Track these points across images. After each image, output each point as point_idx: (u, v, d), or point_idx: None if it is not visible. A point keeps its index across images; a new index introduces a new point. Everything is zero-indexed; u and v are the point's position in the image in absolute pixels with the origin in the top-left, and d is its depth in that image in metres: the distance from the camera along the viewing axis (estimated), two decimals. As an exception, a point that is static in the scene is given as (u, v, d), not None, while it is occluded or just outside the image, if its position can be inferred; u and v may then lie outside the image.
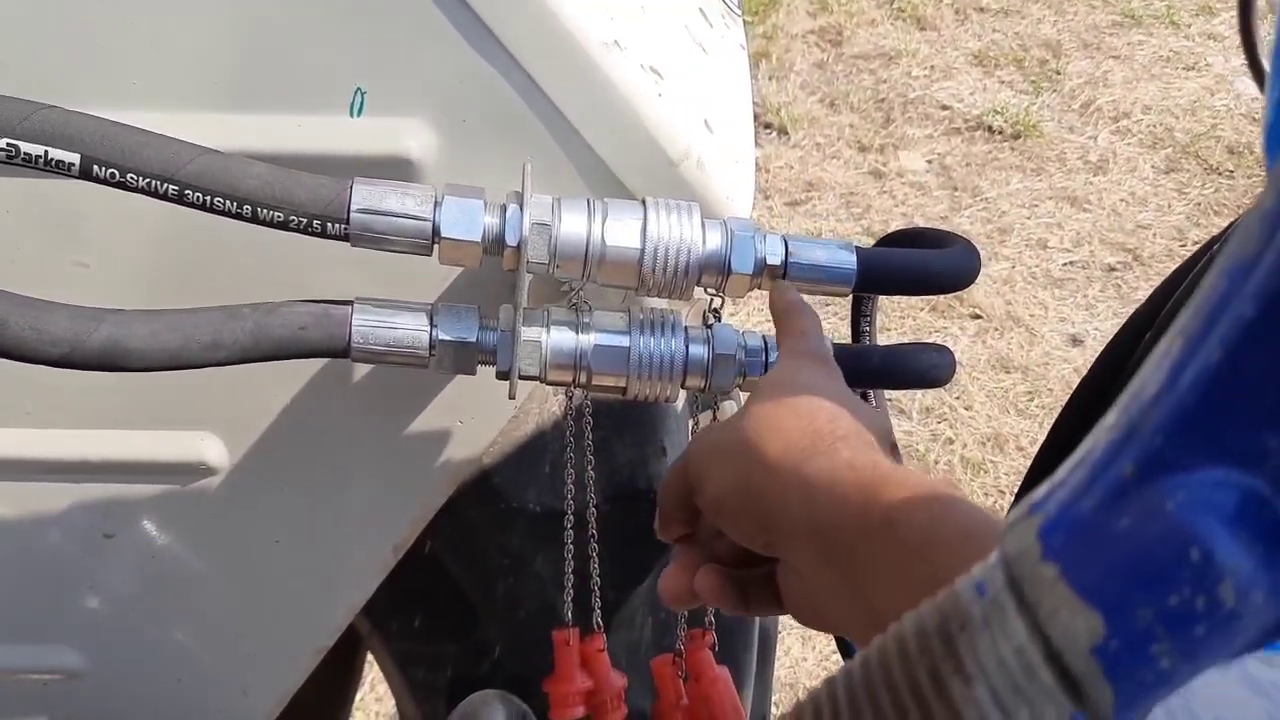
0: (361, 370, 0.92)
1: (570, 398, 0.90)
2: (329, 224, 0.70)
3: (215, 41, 0.77)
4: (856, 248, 0.83)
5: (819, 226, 3.12)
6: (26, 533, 0.98)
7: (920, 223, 3.18)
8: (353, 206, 0.71)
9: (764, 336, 0.84)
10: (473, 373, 0.79)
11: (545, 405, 1.00)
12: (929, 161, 3.38)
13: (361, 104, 0.79)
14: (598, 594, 0.95)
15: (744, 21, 1.09)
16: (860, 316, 0.97)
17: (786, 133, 3.44)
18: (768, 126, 3.47)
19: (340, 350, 0.75)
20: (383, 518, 0.99)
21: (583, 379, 0.80)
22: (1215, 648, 0.29)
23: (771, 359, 0.83)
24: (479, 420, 0.95)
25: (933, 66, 3.70)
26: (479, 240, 0.73)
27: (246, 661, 1.07)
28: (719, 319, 0.84)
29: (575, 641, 0.95)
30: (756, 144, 3.44)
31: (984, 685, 0.30)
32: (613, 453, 0.99)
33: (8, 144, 0.63)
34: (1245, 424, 0.28)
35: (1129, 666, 0.29)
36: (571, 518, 0.91)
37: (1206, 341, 0.28)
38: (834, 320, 2.47)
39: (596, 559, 0.93)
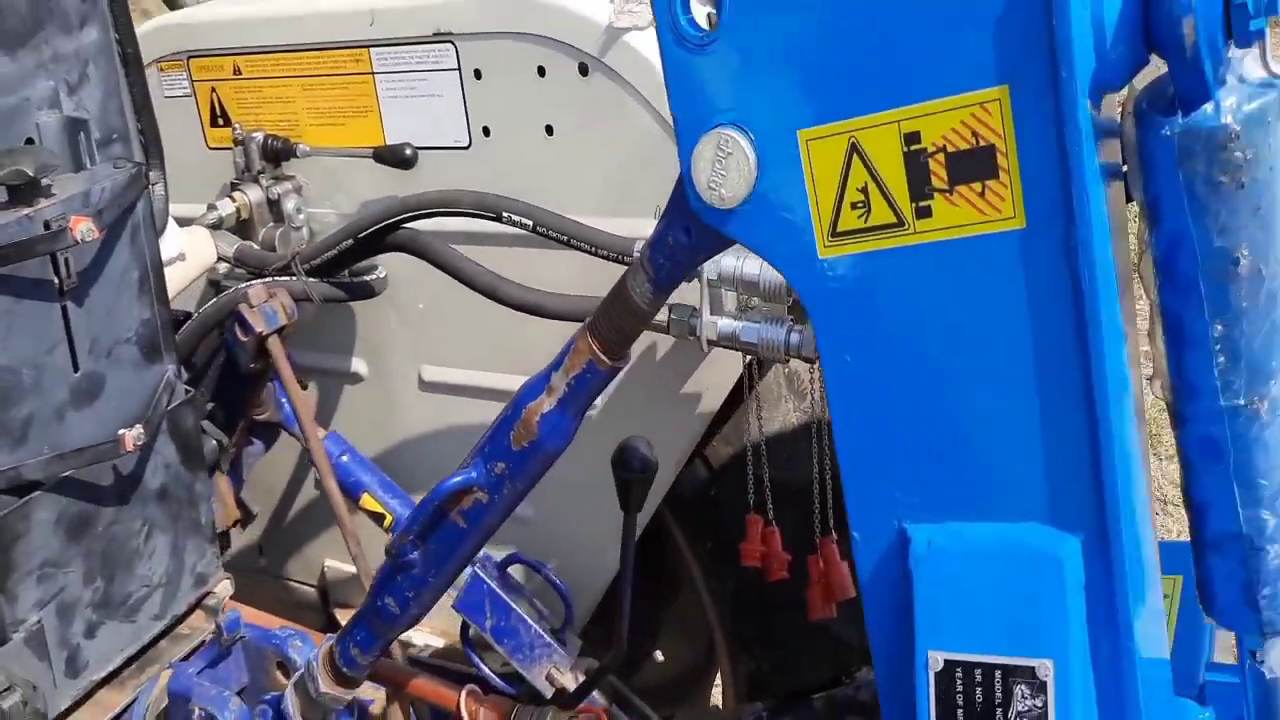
0: (670, 361, 1.81)
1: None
2: (624, 257, 1.62)
3: (603, 189, 1.74)
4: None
5: None
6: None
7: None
8: (635, 250, 1.62)
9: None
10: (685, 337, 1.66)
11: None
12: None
13: (660, 213, 1.69)
14: (771, 508, 1.72)
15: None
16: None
17: None
18: None
19: None
20: (672, 440, 1.83)
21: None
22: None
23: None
24: (714, 389, 1.80)
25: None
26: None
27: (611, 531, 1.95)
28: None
29: (758, 524, 1.73)
30: None
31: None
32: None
33: (507, 215, 1.64)
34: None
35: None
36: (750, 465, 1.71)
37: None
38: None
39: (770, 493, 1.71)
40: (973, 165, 0.94)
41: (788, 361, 1.63)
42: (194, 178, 2.02)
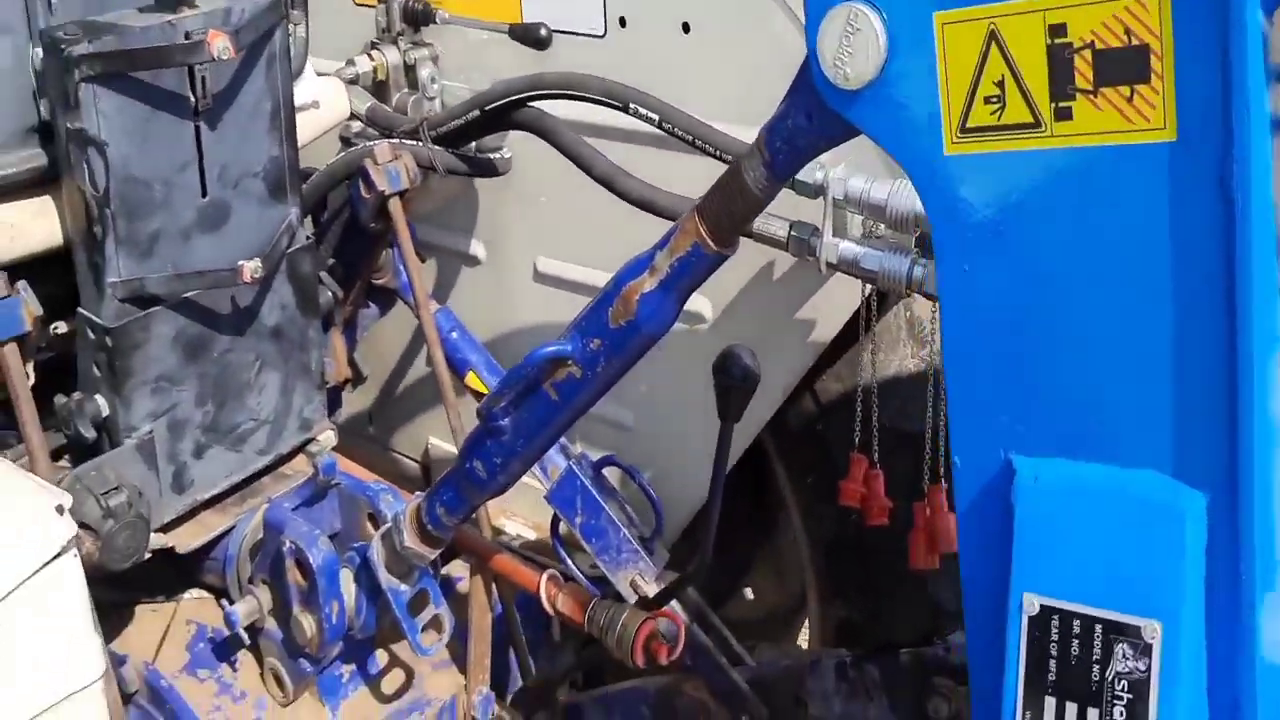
0: (787, 282, 1.76)
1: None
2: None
3: (735, 94, 1.69)
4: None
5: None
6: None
7: None
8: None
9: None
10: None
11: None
12: None
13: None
14: (876, 451, 1.67)
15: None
16: None
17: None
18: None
19: (747, 233, 1.60)
20: (783, 361, 1.80)
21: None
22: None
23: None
24: (828, 318, 1.74)
25: None
26: (811, 183, 1.54)
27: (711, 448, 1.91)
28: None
29: (863, 464, 1.68)
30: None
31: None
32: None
33: (634, 107, 1.61)
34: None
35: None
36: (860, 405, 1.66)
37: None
38: None
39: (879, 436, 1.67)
40: (1122, 66, 0.86)
41: (909, 295, 1.56)
42: (338, 33, 2.05)
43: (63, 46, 1.25)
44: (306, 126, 1.64)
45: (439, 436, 2.42)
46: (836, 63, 0.96)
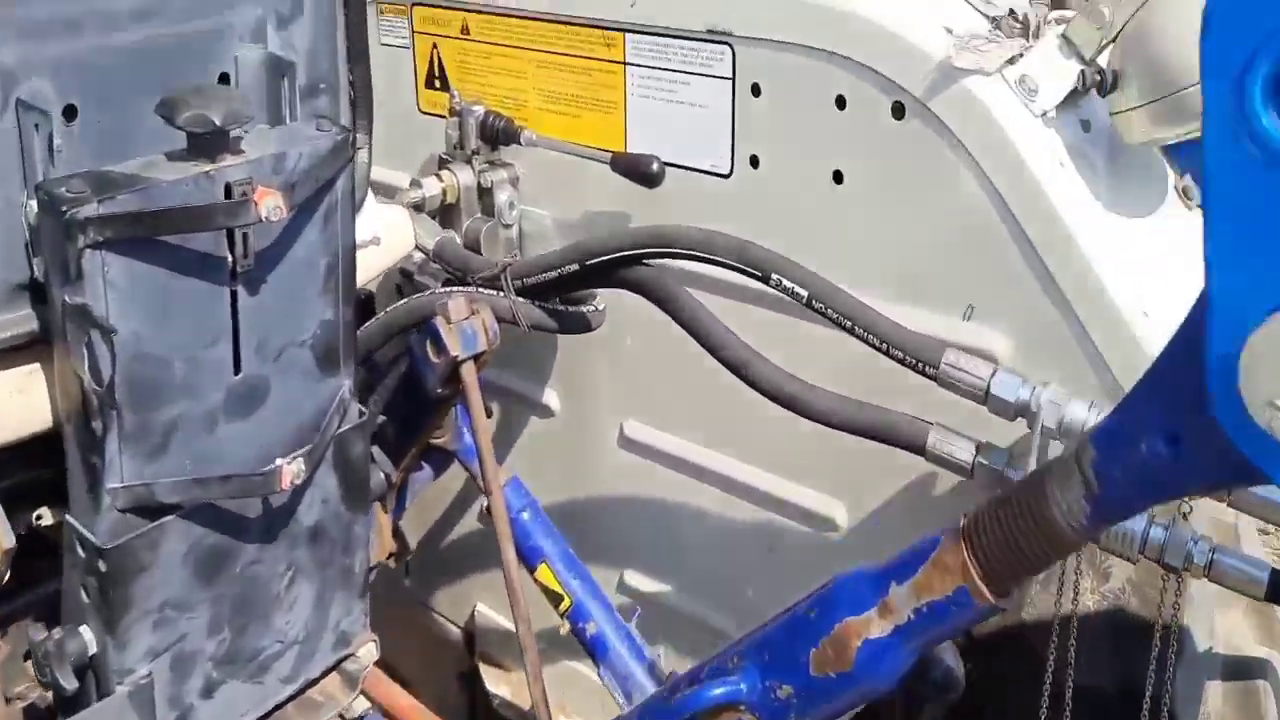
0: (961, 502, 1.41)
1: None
2: (927, 367, 1.24)
3: (899, 267, 1.37)
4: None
5: None
6: (731, 530, 1.62)
7: None
8: (943, 361, 1.24)
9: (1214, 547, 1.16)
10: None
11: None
12: None
13: (970, 314, 1.34)
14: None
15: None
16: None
17: None
18: None
19: (918, 449, 1.27)
20: None
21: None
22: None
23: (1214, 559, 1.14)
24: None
25: None
26: (1012, 401, 1.21)
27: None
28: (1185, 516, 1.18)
29: None
30: None
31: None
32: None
33: (776, 279, 1.29)
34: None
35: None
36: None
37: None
38: None
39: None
40: None
41: (1135, 563, 1.21)
42: (396, 140, 1.76)
43: (64, 208, 0.93)
44: (363, 267, 1.32)
45: (488, 604, 2.08)
46: (1275, 402, 0.64)
